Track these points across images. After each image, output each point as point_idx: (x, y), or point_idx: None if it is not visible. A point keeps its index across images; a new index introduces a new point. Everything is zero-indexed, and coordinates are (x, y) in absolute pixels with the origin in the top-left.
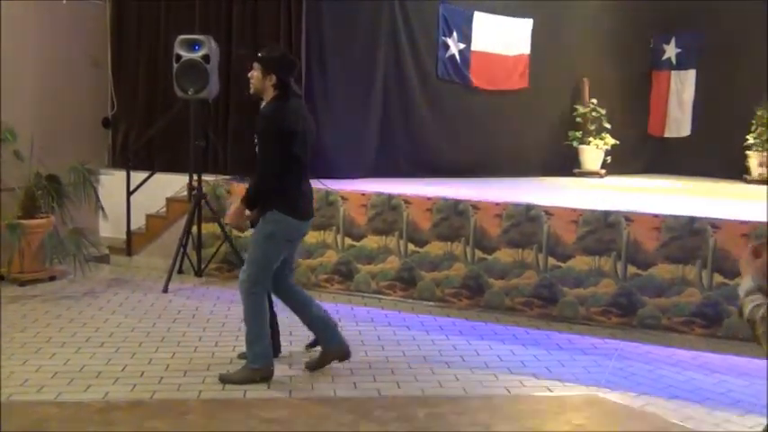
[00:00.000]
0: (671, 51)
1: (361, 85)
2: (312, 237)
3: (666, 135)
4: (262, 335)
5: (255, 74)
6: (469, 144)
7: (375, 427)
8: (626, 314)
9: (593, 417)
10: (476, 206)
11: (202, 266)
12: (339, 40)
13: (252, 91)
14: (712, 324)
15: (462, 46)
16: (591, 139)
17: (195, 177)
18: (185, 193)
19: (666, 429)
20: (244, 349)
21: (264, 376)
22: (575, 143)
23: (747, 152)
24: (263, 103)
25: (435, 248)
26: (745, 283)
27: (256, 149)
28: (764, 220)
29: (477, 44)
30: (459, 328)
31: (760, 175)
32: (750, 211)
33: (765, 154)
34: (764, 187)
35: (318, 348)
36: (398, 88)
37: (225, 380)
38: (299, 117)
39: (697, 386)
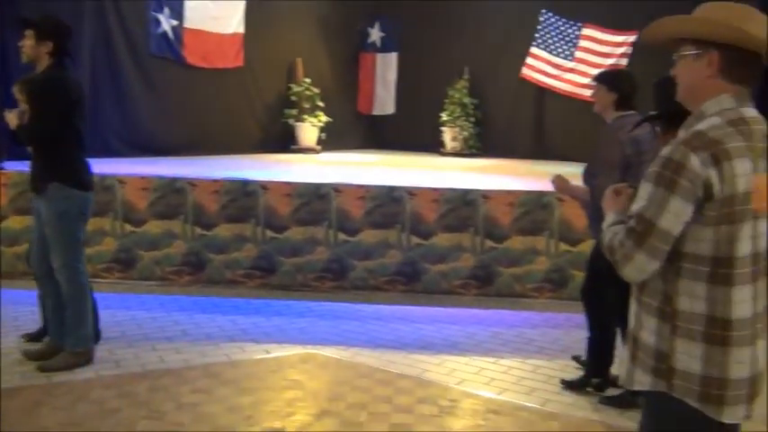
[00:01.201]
0: (375, 35)
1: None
2: (17, 222)
3: (374, 113)
4: (85, 318)
5: (28, 42)
6: (186, 122)
7: (93, 407)
8: (339, 278)
9: (309, 371)
10: (193, 183)
11: None
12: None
13: (24, 60)
14: (411, 281)
15: (174, 23)
16: (306, 116)
17: None
18: None
19: (371, 374)
20: None
21: (88, 359)
22: (291, 121)
23: (442, 128)
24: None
25: (154, 227)
26: (609, 218)
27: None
28: (454, 186)
29: (190, 21)
30: (180, 305)
31: (453, 147)
32: (442, 179)
33: (457, 129)
34: (457, 159)
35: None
36: (108, 65)
37: (47, 368)
38: (79, 86)
39: (398, 335)
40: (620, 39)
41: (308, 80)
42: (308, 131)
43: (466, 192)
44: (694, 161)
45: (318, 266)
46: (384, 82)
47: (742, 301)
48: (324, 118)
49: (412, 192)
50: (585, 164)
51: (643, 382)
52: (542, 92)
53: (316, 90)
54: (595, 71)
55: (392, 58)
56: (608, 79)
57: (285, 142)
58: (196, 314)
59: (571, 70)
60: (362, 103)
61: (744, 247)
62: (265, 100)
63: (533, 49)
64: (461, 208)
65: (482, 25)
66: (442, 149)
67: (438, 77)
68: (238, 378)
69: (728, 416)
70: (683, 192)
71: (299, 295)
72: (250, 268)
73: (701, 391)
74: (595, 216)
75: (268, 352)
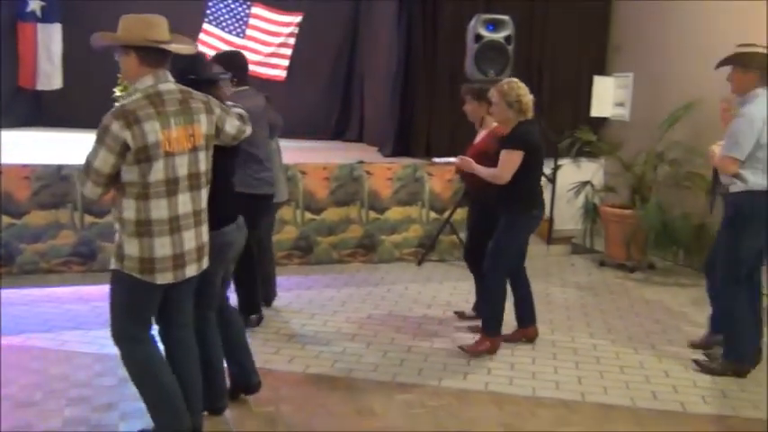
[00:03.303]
0: (36, 4)
1: None
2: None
3: (39, 88)
4: None
5: None
6: None
7: None
8: (6, 263)
9: None
10: None
11: None
12: None
13: None
14: (88, 260)
15: None
16: None
17: None
18: None
19: (45, 355)
20: None
21: None
22: None
23: (116, 104)
24: None
25: None
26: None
27: None
28: None
29: None
30: None
31: None
32: None
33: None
34: None
35: None
36: None
37: None
38: None
39: (74, 315)
40: (287, 19)
41: None
42: None
43: None
44: (115, 126)
45: None
46: (48, 55)
47: (158, 208)
48: None
49: None
50: None
51: (113, 264)
52: None
53: None
54: (267, 49)
55: (55, 29)
56: (223, 60)
57: None
58: None
59: (243, 47)
60: (24, 77)
61: (156, 176)
62: None
63: (206, 26)
64: None
65: None
66: None
67: (107, 52)
68: None
69: (160, 279)
70: (106, 146)
71: None
72: None
73: (139, 267)
74: None
75: None
